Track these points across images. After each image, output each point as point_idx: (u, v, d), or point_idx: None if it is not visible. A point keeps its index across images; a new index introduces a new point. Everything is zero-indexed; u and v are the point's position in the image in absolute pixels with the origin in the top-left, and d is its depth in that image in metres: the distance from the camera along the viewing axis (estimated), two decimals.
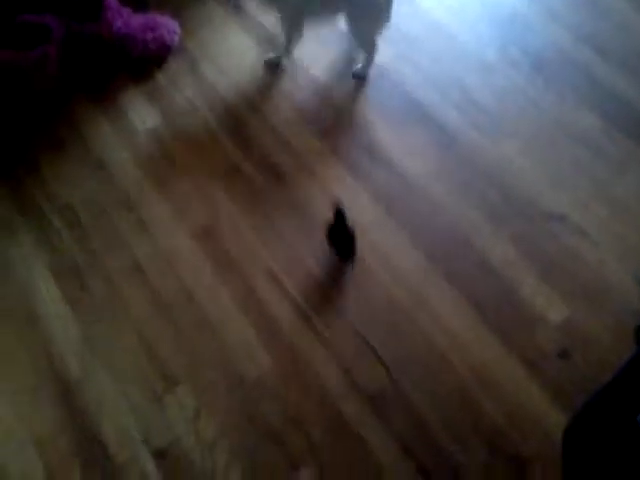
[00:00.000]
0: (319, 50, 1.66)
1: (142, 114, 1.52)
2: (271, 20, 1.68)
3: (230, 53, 1.64)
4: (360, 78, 1.60)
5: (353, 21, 1.49)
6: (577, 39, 1.70)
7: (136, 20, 1.57)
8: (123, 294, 1.25)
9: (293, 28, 1.54)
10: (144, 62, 1.60)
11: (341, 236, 1.23)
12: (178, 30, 1.63)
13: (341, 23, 1.53)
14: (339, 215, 1.20)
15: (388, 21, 1.52)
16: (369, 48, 1.56)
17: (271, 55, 1.61)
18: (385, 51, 1.63)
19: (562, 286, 1.25)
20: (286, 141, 1.48)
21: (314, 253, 1.30)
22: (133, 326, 1.21)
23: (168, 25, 1.61)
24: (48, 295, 1.26)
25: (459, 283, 1.26)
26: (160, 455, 1.07)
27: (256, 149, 1.46)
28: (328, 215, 1.21)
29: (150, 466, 1.07)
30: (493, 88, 1.59)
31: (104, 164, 1.44)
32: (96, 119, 1.52)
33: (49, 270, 1.29)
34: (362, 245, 1.27)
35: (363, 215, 1.34)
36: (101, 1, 1.50)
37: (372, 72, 1.60)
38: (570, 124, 1.52)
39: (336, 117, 1.53)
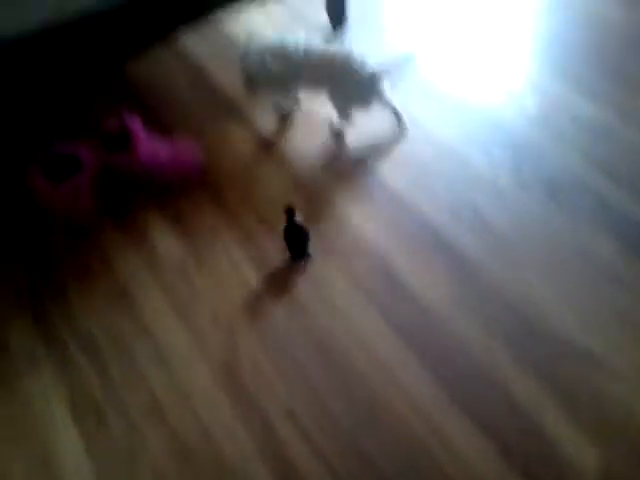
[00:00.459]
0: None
1: (166, 241, 1.57)
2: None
3: (254, 180, 1.70)
4: (337, 135, 1.80)
5: (333, 96, 1.71)
6: (589, 163, 1.74)
7: (163, 148, 1.64)
8: (140, 431, 1.24)
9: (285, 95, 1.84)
10: (170, 189, 1.66)
11: (294, 236, 1.38)
12: (202, 157, 1.70)
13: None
14: (289, 215, 1.35)
15: (370, 103, 1.72)
16: (345, 117, 1.75)
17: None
18: (398, 177, 1.69)
19: (591, 426, 1.22)
20: (306, 269, 1.51)
21: (338, 395, 1.28)
22: (148, 465, 1.20)
23: (193, 151, 1.68)
24: (64, 430, 1.25)
25: (482, 421, 1.24)
26: None
27: (276, 278, 1.49)
28: (353, 354, 1.22)
29: None
30: (508, 213, 1.62)
31: (128, 291, 1.48)
32: (122, 246, 1.56)
33: (67, 403, 1.29)
34: (380, 380, 1.26)
35: (381, 348, 1.35)
36: (131, 131, 1.58)
37: (386, 197, 1.65)
38: (587, 251, 1.53)
39: (353, 243, 1.56)
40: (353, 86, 1.66)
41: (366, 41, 2.11)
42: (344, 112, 1.74)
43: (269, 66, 1.66)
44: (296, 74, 1.70)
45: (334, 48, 1.71)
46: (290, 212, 1.36)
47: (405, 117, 1.84)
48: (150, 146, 1.60)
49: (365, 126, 1.83)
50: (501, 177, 1.71)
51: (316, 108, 1.87)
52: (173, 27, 1.83)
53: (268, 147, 1.80)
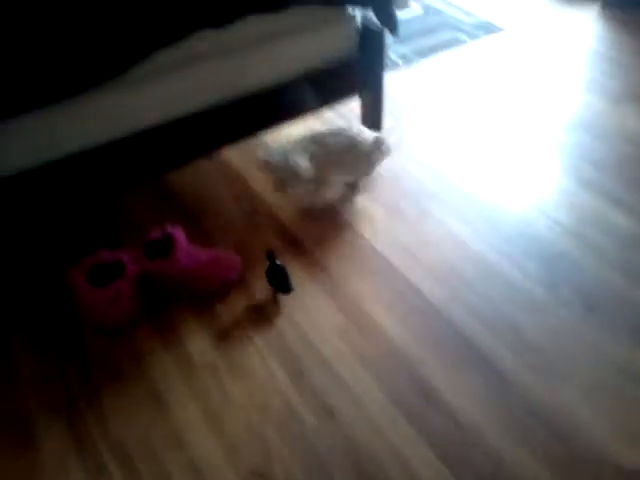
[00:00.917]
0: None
1: (201, 347, 1.58)
2: (329, 258, 1.80)
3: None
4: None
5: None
6: (626, 276, 1.73)
7: (202, 256, 1.68)
8: None
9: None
10: (207, 296, 1.69)
11: (276, 274, 1.61)
12: (240, 266, 1.73)
13: None
14: (270, 257, 1.60)
15: (368, 174, 1.93)
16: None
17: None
18: (437, 292, 1.70)
19: None
20: (339, 376, 1.50)
21: None
22: None
23: (232, 261, 1.72)
24: None
25: None
26: None
27: (308, 385, 1.48)
28: (386, 466, 1.18)
29: None
30: (546, 328, 1.60)
31: (161, 397, 1.47)
32: (157, 350, 1.57)
33: None
34: None
35: (414, 460, 1.30)
36: (173, 241, 1.63)
37: (421, 308, 1.65)
38: (630, 368, 1.50)
39: (389, 356, 1.54)
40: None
41: (399, 154, 2.19)
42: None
43: (292, 164, 1.78)
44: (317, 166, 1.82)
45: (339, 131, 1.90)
46: (271, 256, 1.61)
47: (445, 230, 1.88)
48: (190, 253, 1.64)
49: (406, 239, 1.87)
50: (537, 291, 1.70)
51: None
52: (217, 146, 1.93)
53: (313, 270, 1.83)
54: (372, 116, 2.23)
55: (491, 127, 2.35)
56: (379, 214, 1.96)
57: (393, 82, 2.62)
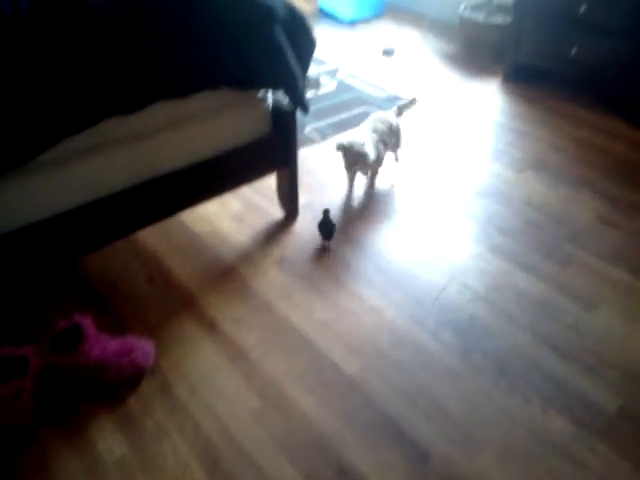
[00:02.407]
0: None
1: (111, 443, 1.51)
2: (246, 338, 1.79)
3: (204, 372, 1.69)
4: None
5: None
6: (537, 340, 1.79)
7: (112, 345, 1.64)
8: None
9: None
10: (116, 386, 1.63)
11: (327, 227, 2.12)
12: (153, 351, 1.69)
13: None
14: (326, 214, 2.11)
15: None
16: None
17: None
18: (353, 364, 1.70)
19: None
20: (255, 463, 1.46)
21: None
22: None
23: (143, 347, 1.68)
24: None
25: None
26: None
27: (224, 475, 1.43)
28: None
29: None
30: (460, 395, 1.62)
31: None
32: (63, 451, 1.49)
33: None
34: None
35: None
36: (81, 332, 1.59)
37: (342, 386, 1.65)
38: (541, 431, 1.52)
39: (306, 435, 1.52)
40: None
41: (315, 222, 2.23)
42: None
43: (362, 150, 2.27)
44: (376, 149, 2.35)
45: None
46: (327, 213, 2.11)
47: (359, 301, 1.90)
48: (100, 343, 1.60)
49: (324, 314, 1.88)
50: (450, 357, 1.73)
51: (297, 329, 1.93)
52: (133, 229, 1.92)
53: (230, 352, 1.81)
54: (288, 192, 2.27)
55: (403, 196, 2.43)
56: (295, 289, 1.97)
57: (309, 156, 2.69)
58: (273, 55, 1.86)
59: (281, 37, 1.87)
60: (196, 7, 1.70)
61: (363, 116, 3.00)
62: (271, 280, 2.00)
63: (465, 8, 3.67)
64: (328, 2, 4.30)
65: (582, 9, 2.92)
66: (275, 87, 1.98)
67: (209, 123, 1.93)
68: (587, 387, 1.65)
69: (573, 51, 3.02)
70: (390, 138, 2.47)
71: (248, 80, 1.87)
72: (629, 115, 2.94)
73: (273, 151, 2.13)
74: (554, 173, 2.57)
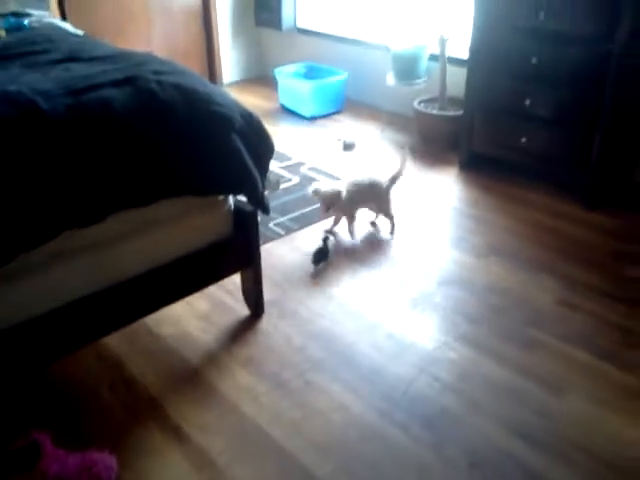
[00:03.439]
0: None
1: None
2: (213, 445, 1.74)
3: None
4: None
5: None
6: (507, 429, 1.78)
7: (72, 461, 1.58)
8: None
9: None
10: None
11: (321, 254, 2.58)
12: (115, 465, 1.63)
13: None
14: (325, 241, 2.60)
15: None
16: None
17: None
18: (322, 465, 1.66)
19: None
20: None
21: None
22: None
23: (105, 461, 1.62)
24: None
25: None
26: None
27: None
28: None
29: None
30: None
31: None
32: None
33: None
34: None
35: None
36: (39, 450, 1.53)
37: None
38: None
39: None
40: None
41: (283, 325, 2.23)
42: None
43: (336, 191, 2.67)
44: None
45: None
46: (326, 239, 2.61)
47: (328, 398, 1.88)
48: (59, 460, 1.54)
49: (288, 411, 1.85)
50: (422, 451, 1.71)
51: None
52: (95, 337, 1.89)
53: (196, 460, 1.76)
54: (253, 290, 2.28)
55: (369, 288, 2.46)
56: (262, 389, 1.95)
57: (274, 252, 2.72)
58: (232, 162, 1.92)
59: (239, 143, 1.94)
60: (156, 120, 1.77)
61: None
62: (238, 382, 1.98)
63: (419, 102, 3.86)
64: (289, 99, 4.48)
65: (527, 102, 3.09)
66: (235, 192, 2.04)
67: (171, 227, 1.95)
68: (560, 476, 1.63)
69: (523, 140, 3.17)
70: (371, 196, 2.78)
71: (208, 188, 1.92)
72: (582, 198, 3.06)
73: (236, 252, 2.16)
74: (513, 257, 2.64)
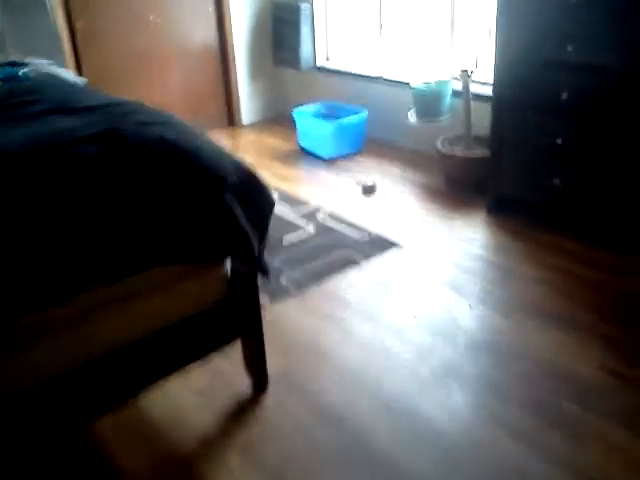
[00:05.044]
0: None
1: None
2: None
3: None
4: None
5: None
6: None
7: None
8: None
9: None
10: None
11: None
12: None
13: None
14: None
15: None
16: None
17: None
18: None
19: None
20: None
21: None
22: None
23: None
24: None
25: None
26: None
27: None
28: None
29: None
30: None
31: None
32: None
33: None
34: None
35: None
36: None
37: None
38: None
39: None
40: None
41: (290, 402, 2.00)
42: None
43: None
44: None
45: None
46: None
47: None
48: None
49: None
50: None
51: None
52: (86, 420, 1.71)
53: None
54: (255, 360, 2.06)
55: (387, 357, 2.21)
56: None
57: (284, 313, 2.51)
58: (224, 225, 1.73)
59: (232, 203, 1.75)
60: (133, 180, 1.59)
61: (344, 263, 2.85)
62: (235, 477, 1.74)
63: (443, 142, 3.64)
64: (308, 141, 4.31)
65: (559, 141, 2.84)
66: (229, 256, 1.84)
67: (158, 295, 1.76)
68: None
69: (555, 181, 2.91)
70: None
71: (198, 254, 1.72)
72: (617, 244, 2.77)
73: (232, 318, 1.96)
74: (547, 315, 2.37)
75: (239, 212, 1.76)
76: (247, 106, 5.01)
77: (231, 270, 1.93)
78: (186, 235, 1.67)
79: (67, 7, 4.10)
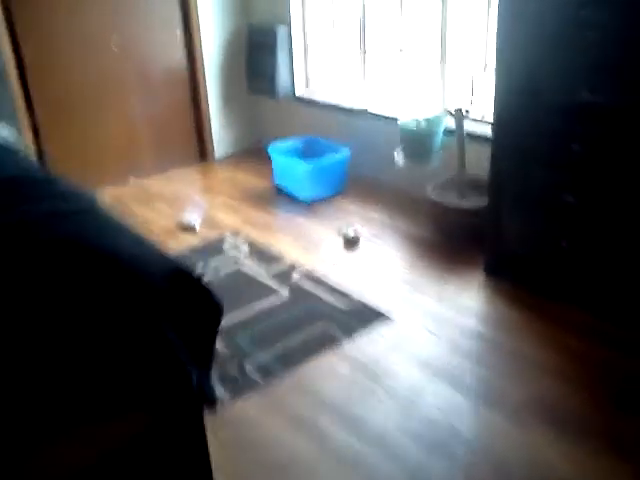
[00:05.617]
0: None
1: None
2: None
3: None
4: None
5: None
6: None
7: None
8: None
9: None
10: None
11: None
12: None
13: None
14: None
15: None
16: None
17: None
18: None
19: None
20: None
21: None
22: None
23: None
24: None
25: None
26: None
27: None
28: None
29: None
30: None
31: None
32: None
33: None
34: None
35: None
36: None
37: None
38: None
39: None
40: None
41: None
42: None
43: None
44: None
45: None
46: None
47: None
48: None
49: None
50: None
51: None
52: None
53: None
54: None
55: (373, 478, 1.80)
56: None
57: (250, 412, 2.09)
58: (148, 355, 1.31)
59: (161, 320, 1.33)
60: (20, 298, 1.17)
61: (320, 340, 2.44)
62: None
63: (434, 188, 3.23)
64: (284, 180, 3.90)
65: (569, 198, 2.45)
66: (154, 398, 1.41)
67: None
68: None
69: (563, 244, 2.52)
70: None
71: (110, 400, 1.30)
72: (634, 321, 2.38)
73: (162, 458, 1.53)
74: (555, 417, 1.97)
75: (170, 333, 1.34)
76: (220, 138, 4.59)
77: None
78: (96, 373, 1.25)
79: (13, 33, 3.67)
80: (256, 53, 4.39)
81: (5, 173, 1.65)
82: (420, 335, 2.44)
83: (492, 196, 2.78)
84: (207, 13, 4.25)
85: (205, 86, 4.45)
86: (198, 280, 1.42)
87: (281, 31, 4.17)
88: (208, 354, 1.46)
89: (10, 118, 3.63)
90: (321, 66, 4.31)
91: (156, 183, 4.23)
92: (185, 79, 4.43)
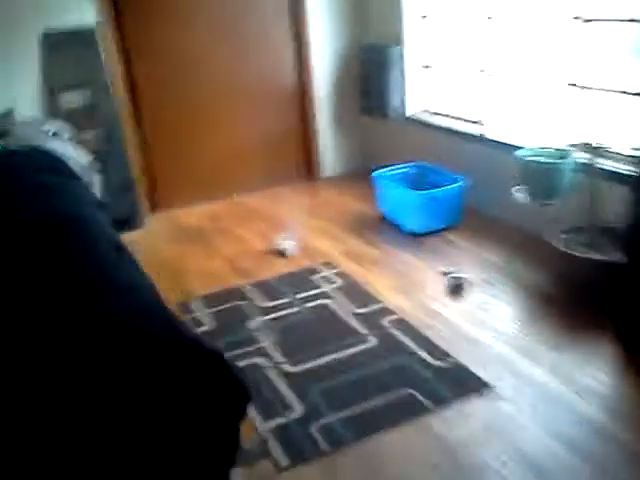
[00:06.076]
0: None
1: None
2: None
3: None
4: None
5: None
6: None
7: None
8: None
9: None
10: None
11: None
12: None
13: None
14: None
15: None
16: None
17: None
18: None
19: None
20: None
21: None
22: None
23: None
24: None
25: None
26: None
27: None
28: None
29: None
30: None
31: None
32: None
33: None
34: None
35: None
36: None
37: None
38: None
39: None
40: None
41: None
42: None
43: None
44: None
45: None
46: None
47: None
48: None
49: None
50: None
51: None
52: None
53: None
54: None
55: None
56: None
57: None
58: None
59: (169, 415, 1.05)
60: None
61: (401, 407, 2.08)
62: None
63: (560, 233, 2.76)
64: (391, 209, 3.56)
65: None
66: None
67: None
68: None
69: None
70: None
71: None
72: None
73: None
74: None
75: (180, 433, 1.06)
76: (328, 158, 4.36)
77: None
78: None
79: (125, 50, 3.66)
80: (369, 73, 4.13)
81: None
82: (526, 419, 2.00)
83: (631, 251, 2.29)
84: (319, 32, 4.07)
85: (316, 105, 4.25)
86: (220, 359, 1.13)
87: (394, 51, 3.90)
88: (228, 465, 1.17)
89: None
90: (436, 88, 3.95)
91: (258, 201, 4.07)
92: (296, 98, 4.26)
